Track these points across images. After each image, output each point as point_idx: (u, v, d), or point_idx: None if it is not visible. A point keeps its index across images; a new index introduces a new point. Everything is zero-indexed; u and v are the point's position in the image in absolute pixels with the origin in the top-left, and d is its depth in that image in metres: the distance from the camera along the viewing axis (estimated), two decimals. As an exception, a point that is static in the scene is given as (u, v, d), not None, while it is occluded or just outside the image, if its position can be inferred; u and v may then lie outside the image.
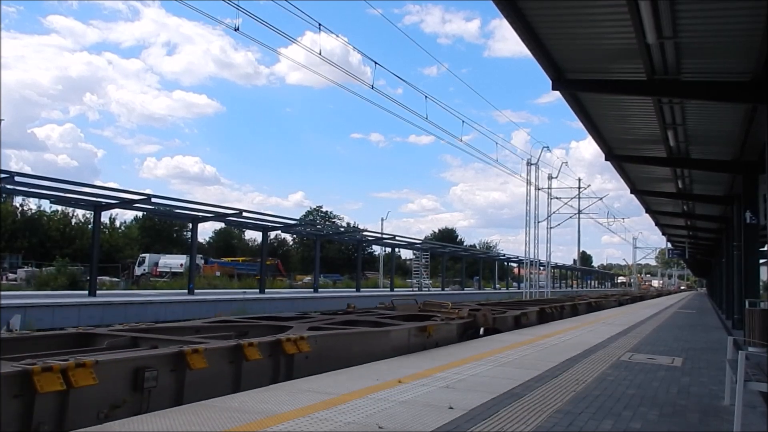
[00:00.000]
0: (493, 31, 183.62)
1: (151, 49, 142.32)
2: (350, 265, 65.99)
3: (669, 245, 50.81)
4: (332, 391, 5.35)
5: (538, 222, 47.49)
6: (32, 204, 51.93)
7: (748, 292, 14.12)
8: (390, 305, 13.77)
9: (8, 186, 20.35)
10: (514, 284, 70.31)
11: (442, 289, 50.27)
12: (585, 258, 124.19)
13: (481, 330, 12.22)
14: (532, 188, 46.46)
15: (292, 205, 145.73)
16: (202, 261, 48.68)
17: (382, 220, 65.25)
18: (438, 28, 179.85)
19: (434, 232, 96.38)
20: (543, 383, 6.27)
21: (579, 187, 53.84)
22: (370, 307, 15.37)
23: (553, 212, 50.31)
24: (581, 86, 11.87)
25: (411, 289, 48.22)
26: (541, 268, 52.50)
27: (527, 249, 47.38)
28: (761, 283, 21.01)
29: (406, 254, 70.18)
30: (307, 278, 52.51)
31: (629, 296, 42.65)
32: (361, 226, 66.25)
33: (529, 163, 46.13)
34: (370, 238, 45.06)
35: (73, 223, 52.88)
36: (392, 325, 9.86)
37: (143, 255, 48.87)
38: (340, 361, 7.43)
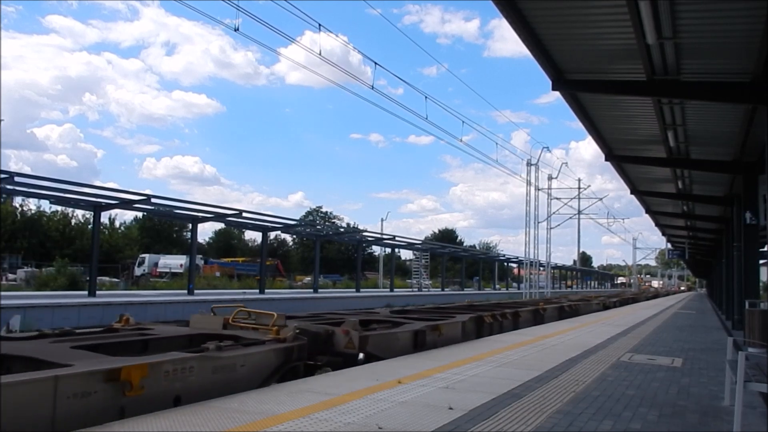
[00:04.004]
0: (492, 31, 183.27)
1: (151, 49, 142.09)
2: (350, 266, 65.99)
3: (669, 246, 50.72)
4: (332, 392, 5.34)
5: (538, 222, 47.56)
6: (32, 204, 52.00)
7: (748, 292, 14.13)
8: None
9: (8, 186, 20.34)
10: (514, 285, 70.31)
11: (442, 290, 50.24)
12: (585, 258, 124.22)
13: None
14: (532, 189, 46.51)
15: (291, 205, 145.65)
16: (202, 261, 48.72)
17: (382, 220, 65.16)
18: (437, 28, 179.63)
19: (434, 233, 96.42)
20: (543, 384, 6.27)
21: (579, 188, 53.94)
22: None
23: (553, 213, 50.39)
24: (581, 86, 11.89)
25: (411, 289, 48.22)
26: (541, 268, 52.51)
27: (527, 249, 47.46)
28: (761, 284, 21.02)
29: (405, 255, 70.28)
30: (307, 279, 52.53)
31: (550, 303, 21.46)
32: (360, 227, 66.11)
33: (528, 164, 46.18)
34: (369, 239, 45.03)
35: (72, 224, 52.92)
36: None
37: (143, 255, 48.89)
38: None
